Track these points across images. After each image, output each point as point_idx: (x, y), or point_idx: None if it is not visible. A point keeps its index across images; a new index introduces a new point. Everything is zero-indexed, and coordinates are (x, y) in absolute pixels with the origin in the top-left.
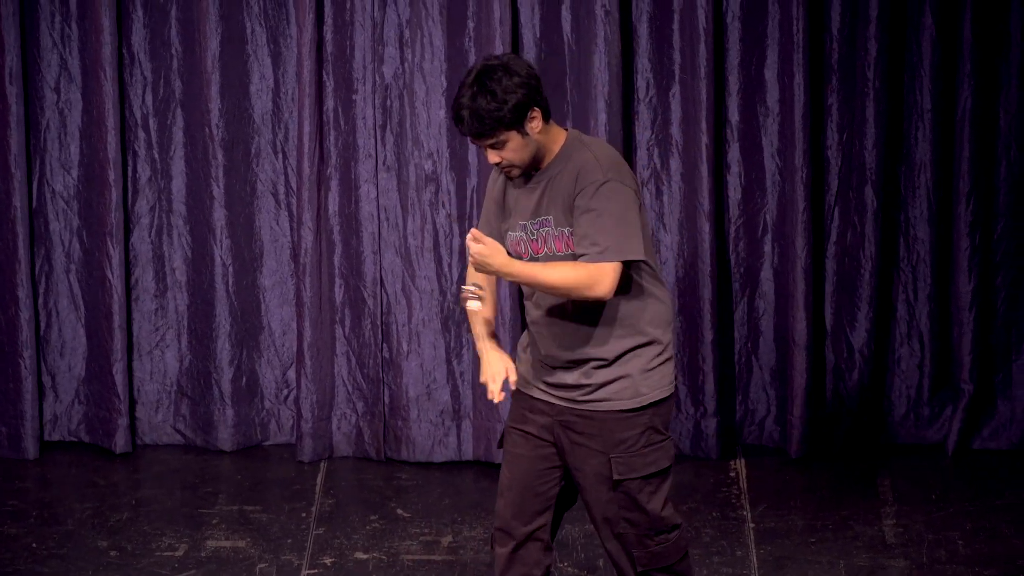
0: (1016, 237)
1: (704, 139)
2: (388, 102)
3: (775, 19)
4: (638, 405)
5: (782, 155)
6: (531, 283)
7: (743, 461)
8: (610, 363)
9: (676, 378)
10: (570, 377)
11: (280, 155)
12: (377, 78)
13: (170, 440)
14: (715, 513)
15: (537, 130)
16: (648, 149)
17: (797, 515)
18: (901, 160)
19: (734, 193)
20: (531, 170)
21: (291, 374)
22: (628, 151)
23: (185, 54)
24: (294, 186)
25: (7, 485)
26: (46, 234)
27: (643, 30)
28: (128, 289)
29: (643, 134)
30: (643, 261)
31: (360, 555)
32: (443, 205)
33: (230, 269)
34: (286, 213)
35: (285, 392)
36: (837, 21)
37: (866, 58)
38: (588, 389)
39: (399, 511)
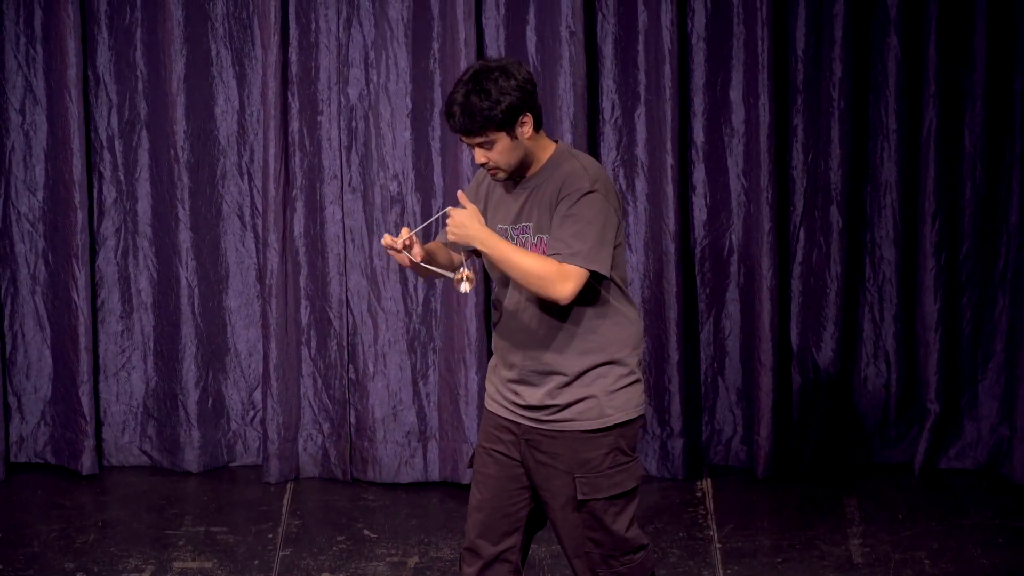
0: (981, 257)
1: (669, 160)
2: (354, 123)
3: (740, 40)
4: (603, 426)
5: (747, 176)
6: (500, 260)
7: (710, 481)
8: (572, 381)
9: (645, 401)
10: (535, 397)
11: (246, 177)
12: (342, 99)
13: (136, 461)
14: (682, 533)
15: (527, 136)
16: (614, 170)
17: (764, 535)
18: (867, 180)
19: (699, 214)
20: (516, 176)
21: (257, 395)
22: None
23: (150, 76)
24: (260, 207)
25: None
26: (11, 255)
27: (608, 51)
28: (94, 311)
29: (608, 155)
30: (615, 281)
31: None
32: (409, 226)
33: (196, 291)
34: (252, 234)
35: (251, 413)
36: (802, 42)
37: (831, 79)
38: (553, 409)
39: (366, 532)
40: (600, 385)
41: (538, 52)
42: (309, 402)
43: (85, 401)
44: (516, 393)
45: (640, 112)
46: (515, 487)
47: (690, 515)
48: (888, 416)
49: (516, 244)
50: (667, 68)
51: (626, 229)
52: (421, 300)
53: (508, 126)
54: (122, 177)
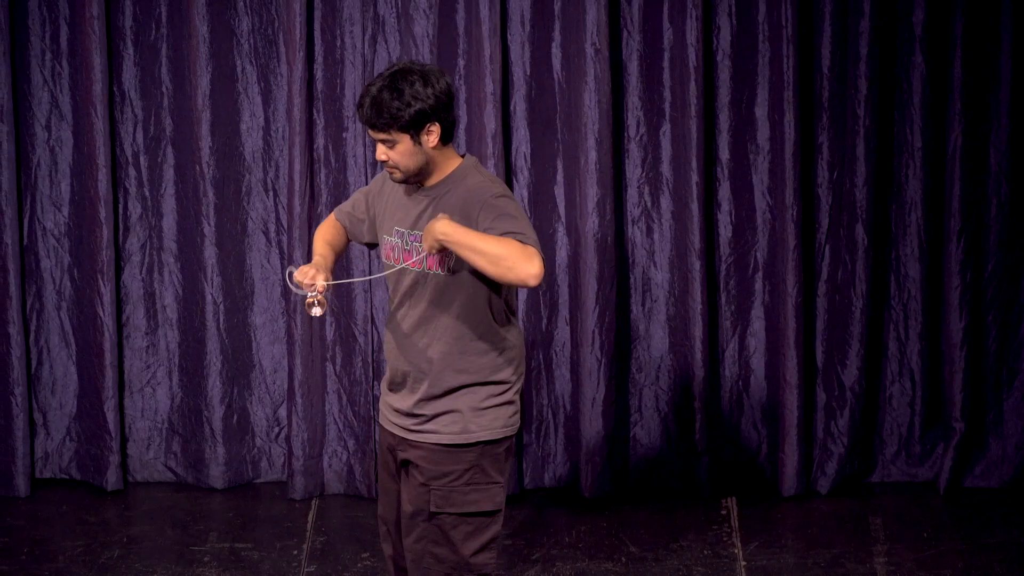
0: (1007, 276)
1: (694, 177)
2: None
3: (765, 57)
4: (464, 441)
5: (772, 193)
6: (473, 250)
7: (734, 499)
8: (441, 395)
9: (516, 424)
10: (405, 403)
11: (271, 193)
12: None
13: (161, 477)
14: (707, 551)
15: (431, 144)
16: (639, 187)
17: (789, 553)
18: (892, 198)
19: (725, 231)
20: (413, 180)
21: (282, 412)
22: (618, 189)
23: (176, 92)
24: (285, 224)
25: None
26: (37, 271)
27: (633, 68)
28: (119, 327)
29: (633, 172)
30: (505, 302)
31: None
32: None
33: (221, 307)
34: (277, 251)
35: (276, 430)
36: (828, 59)
37: (857, 96)
38: (420, 419)
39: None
40: (467, 401)
41: (563, 69)
42: (334, 419)
43: (110, 417)
44: (392, 397)
45: (665, 129)
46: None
47: (715, 533)
48: (913, 434)
49: (411, 248)
50: (692, 85)
51: (649, 246)
52: None
53: (413, 130)
54: (147, 193)
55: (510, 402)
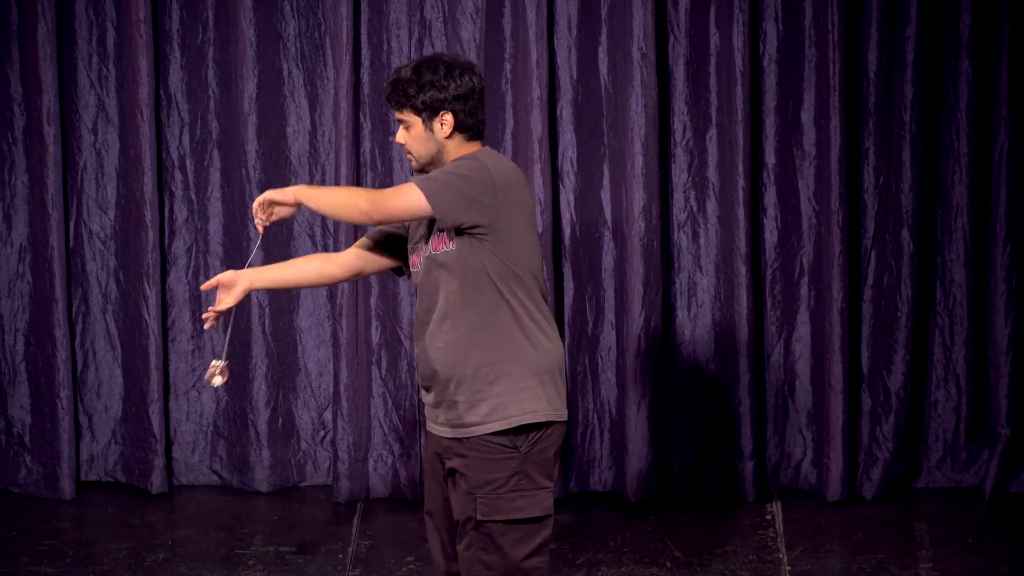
0: None
1: (740, 182)
2: None
3: (812, 63)
4: (504, 428)
5: (818, 198)
6: (318, 202)
7: (779, 504)
8: (468, 382)
9: (559, 412)
10: (438, 399)
11: None
12: None
13: (206, 481)
14: (751, 556)
15: (444, 135)
16: (685, 192)
17: (834, 558)
18: (937, 203)
19: (770, 236)
20: (431, 171)
21: (327, 415)
22: (664, 193)
23: (222, 95)
24: (331, 227)
25: (44, 525)
26: (83, 274)
27: (679, 73)
28: (165, 330)
29: (679, 177)
30: (521, 277)
31: None
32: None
33: (267, 311)
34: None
35: (321, 433)
36: (874, 64)
37: (903, 101)
38: (455, 413)
39: None
40: (499, 388)
41: (610, 73)
42: (379, 422)
43: (155, 420)
44: (427, 396)
45: (711, 134)
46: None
47: (759, 538)
48: (958, 440)
49: (416, 252)
50: (739, 90)
51: (695, 251)
52: None
53: (425, 115)
54: (193, 196)
55: (546, 385)
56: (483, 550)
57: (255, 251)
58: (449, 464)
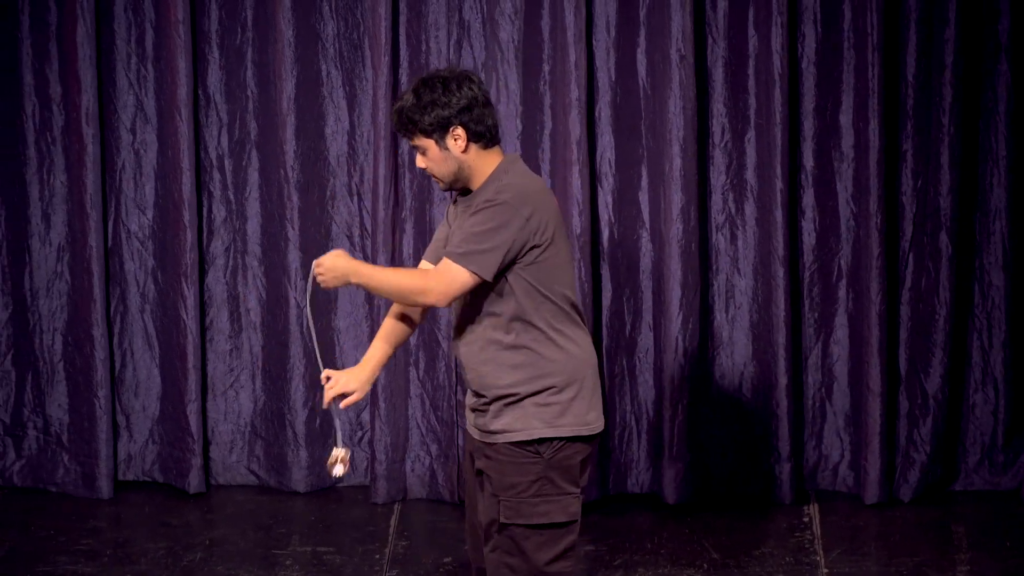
0: None
1: (779, 184)
2: None
3: (850, 65)
4: (527, 439)
5: (857, 201)
6: (374, 287)
7: (817, 506)
8: (493, 398)
9: (589, 427)
10: (471, 402)
11: (355, 197)
12: None
13: (244, 481)
14: (788, 558)
15: (460, 149)
16: (723, 194)
17: (871, 561)
18: (976, 206)
19: (808, 238)
20: (458, 188)
21: (365, 416)
22: (703, 195)
23: (261, 96)
24: (369, 228)
25: (81, 524)
26: (121, 274)
27: (718, 75)
28: (203, 330)
29: (718, 179)
30: (550, 298)
31: None
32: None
33: (305, 311)
34: (361, 255)
35: (359, 434)
36: (912, 67)
37: (941, 104)
38: (484, 419)
39: None
40: (528, 399)
41: (648, 75)
42: (417, 423)
43: (193, 420)
44: (467, 397)
45: (750, 136)
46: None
47: (797, 540)
48: (996, 443)
49: None
50: (777, 92)
51: (733, 253)
52: None
53: (436, 135)
54: (232, 196)
55: (576, 398)
56: (507, 553)
57: (313, 338)
58: (478, 464)
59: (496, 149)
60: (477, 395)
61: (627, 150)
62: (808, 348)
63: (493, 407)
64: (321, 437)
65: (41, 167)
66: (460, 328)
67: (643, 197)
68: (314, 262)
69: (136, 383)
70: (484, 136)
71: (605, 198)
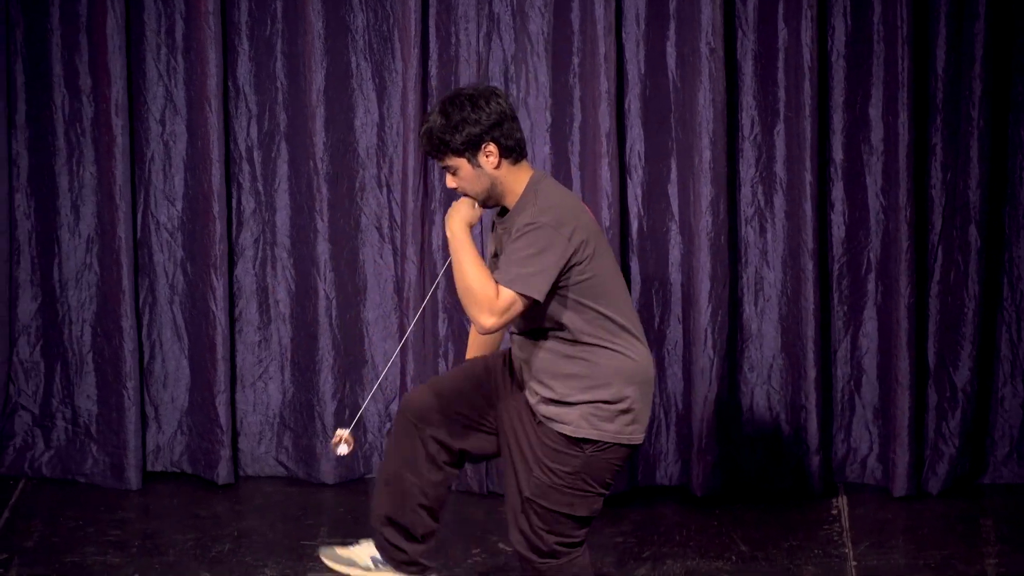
0: None
1: (808, 177)
2: None
3: (880, 58)
4: (573, 435)
5: (886, 194)
6: (454, 255)
7: (845, 499)
8: (557, 401)
9: (629, 437)
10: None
11: (384, 189)
12: None
13: (272, 472)
14: (817, 551)
15: (492, 166)
16: (752, 186)
17: (899, 554)
18: (1005, 200)
19: (838, 231)
20: (492, 205)
21: (394, 407)
22: (732, 188)
23: (290, 87)
24: (398, 220)
25: (110, 515)
26: (150, 265)
27: (748, 68)
28: (232, 321)
29: (747, 171)
30: (602, 313)
31: None
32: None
33: (334, 302)
34: (390, 247)
35: (388, 425)
36: (942, 60)
37: (971, 97)
38: (534, 401)
39: (501, 545)
40: (584, 405)
41: (678, 68)
42: None
43: (222, 411)
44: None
45: (779, 129)
46: (479, 409)
47: (825, 533)
48: None
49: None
50: (807, 85)
51: (762, 245)
52: None
53: (468, 154)
54: (261, 188)
55: (628, 410)
56: (526, 519)
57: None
58: (524, 423)
59: (524, 164)
60: (525, 383)
61: (656, 143)
62: (837, 341)
63: (541, 398)
64: (350, 429)
65: (70, 158)
66: (516, 339)
67: (672, 190)
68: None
69: (165, 374)
70: (514, 151)
71: (634, 191)
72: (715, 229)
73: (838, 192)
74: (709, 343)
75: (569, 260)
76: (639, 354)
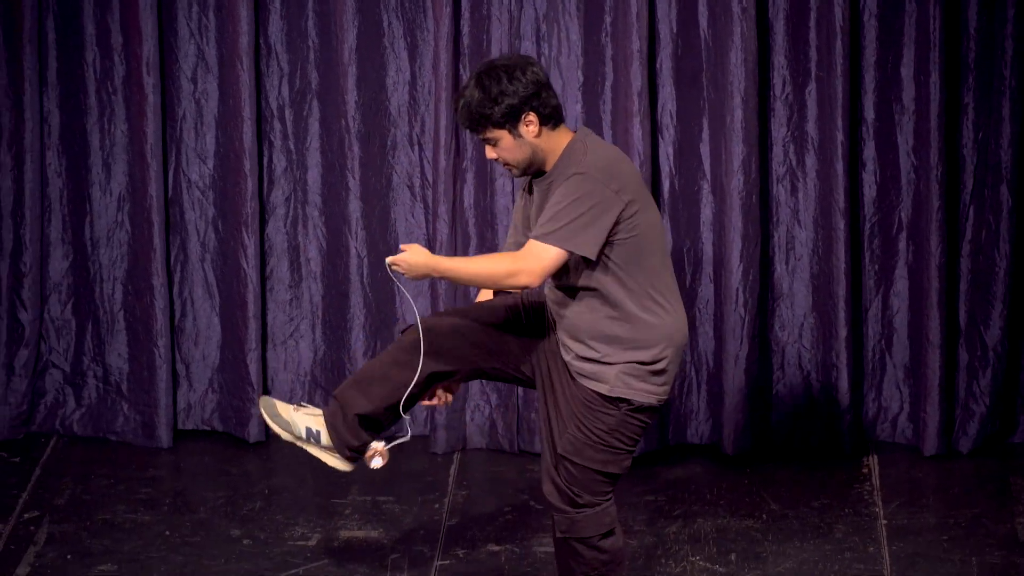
0: None
1: (840, 136)
2: None
3: (912, 17)
4: (609, 394)
5: (917, 153)
6: (458, 278)
7: (876, 458)
8: (594, 360)
9: (659, 398)
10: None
11: (416, 148)
12: None
13: None
14: (847, 510)
15: (533, 134)
16: (784, 146)
17: (930, 513)
18: None
19: (869, 191)
20: (532, 172)
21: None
22: (764, 148)
23: (322, 46)
24: (430, 179)
25: (141, 473)
26: (181, 224)
27: (779, 27)
28: (263, 279)
29: (779, 131)
30: (648, 272)
31: (493, 547)
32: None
33: (365, 261)
34: (421, 205)
35: None
36: (974, 20)
37: (1003, 57)
38: (569, 358)
39: (532, 503)
40: (620, 365)
41: (710, 27)
42: None
43: (253, 369)
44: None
45: (811, 88)
46: (503, 348)
47: (856, 492)
48: None
49: None
50: (838, 45)
51: (793, 205)
52: None
53: (508, 124)
54: (292, 146)
55: (662, 371)
56: (557, 472)
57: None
58: (567, 383)
59: (563, 128)
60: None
61: (688, 102)
62: (868, 300)
63: (576, 354)
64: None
65: (102, 116)
66: (555, 297)
67: (704, 149)
68: (388, 260)
69: (196, 332)
70: (552, 117)
71: (666, 150)
72: (746, 188)
73: (869, 151)
74: (740, 302)
75: (616, 215)
76: (678, 314)
